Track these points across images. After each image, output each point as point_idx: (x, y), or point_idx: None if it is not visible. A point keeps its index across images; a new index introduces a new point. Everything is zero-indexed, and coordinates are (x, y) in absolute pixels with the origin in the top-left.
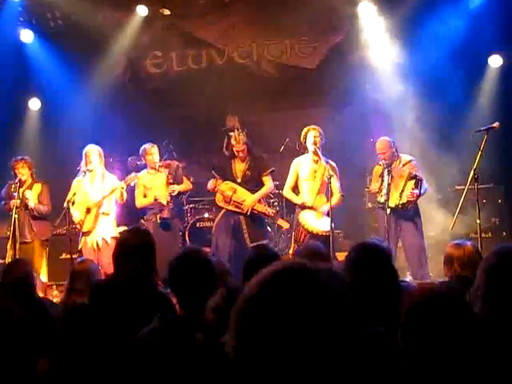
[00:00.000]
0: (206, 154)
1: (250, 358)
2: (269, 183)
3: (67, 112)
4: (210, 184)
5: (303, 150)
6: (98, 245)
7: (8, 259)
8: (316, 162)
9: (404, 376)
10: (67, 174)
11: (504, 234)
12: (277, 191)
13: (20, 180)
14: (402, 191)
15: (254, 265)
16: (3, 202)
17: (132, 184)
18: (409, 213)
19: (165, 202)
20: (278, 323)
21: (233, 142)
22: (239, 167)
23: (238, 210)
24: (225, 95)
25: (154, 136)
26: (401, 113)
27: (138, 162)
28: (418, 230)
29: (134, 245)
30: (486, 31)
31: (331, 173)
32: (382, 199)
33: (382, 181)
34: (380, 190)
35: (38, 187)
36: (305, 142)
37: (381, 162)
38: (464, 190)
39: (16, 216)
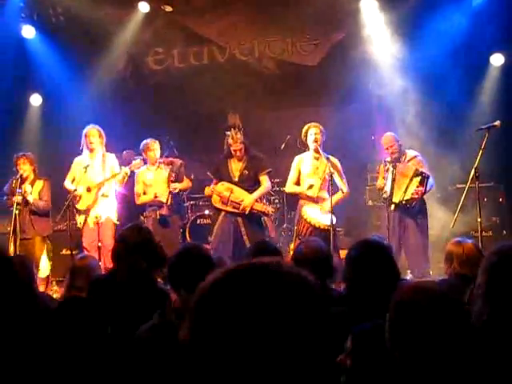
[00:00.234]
0: (207, 151)
1: (201, 348)
2: (266, 182)
3: (68, 108)
4: (207, 192)
5: (304, 147)
6: (98, 223)
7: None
8: (317, 158)
9: (395, 371)
10: (68, 170)
11: (504, 232)
12: (277, 189)
13: (21, 176)
14: (407, 187)
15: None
16: (6, 198)
17: (136, 171)
18: (414, 210)
19: (164, 200)
20: (225, 319)
21: (229, 141)
22: (236, 166)
23: (236, 211)
24: (226, 92)
25: (155, 132)
26: (403, 110)
27: (135, 157)
28: (423, 228)
29: (134, 242)
30: (488, 29)
31: (332, 170)
32: (386, 195)
33: (388, 177)
34: (386, 185)
35: (39, 183)
36: (306, 140)
37: (388, 159)
38: (465, 188)
39: (17, 212)
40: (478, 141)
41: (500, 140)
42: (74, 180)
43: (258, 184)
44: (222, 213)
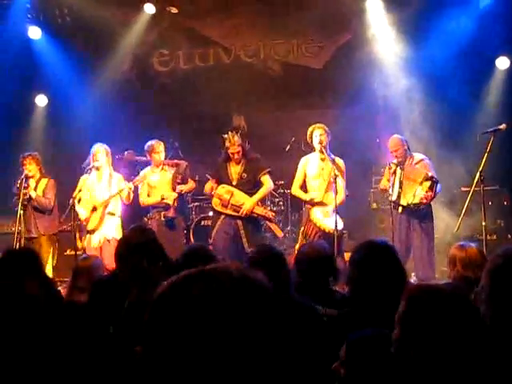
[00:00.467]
0: (211, 152)
1: (155, 351)
2: (268, 183)
3: (74, 108)
4: (207, 187)
5: (309, 149)
6: (100, 243)
7: None
8: (323, 160)
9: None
10: (74, 170)
11: (509, 236)
12: (282, 191)
13: (26, 176)
14: (416, 191)
15: (257, 262)
16: (15, 198)
17: (140, 185)
18: (421, 213)
19: (171, 202)
20: (174, 322)
21: (227, 143)
22: (235, 170)
23: (236, 214)
24: (231, 94)
25: (160, 134)
26: (408, 112)
27: (137, 158)
28: (429, 231)
29: (137, 243)
30: (494, 32)
31: (337, 173)
32: (391, 198)
33: (395, 179)
34: (390, 187)
35: (44, 181)
36: (311, 141)
37: (394, 160)
38: (470, 191)
39: (21, 212)
40: (483, 143)
41: (504, 143)
42: (80, 200)
43: (257, 186)
44: (222, 215)
